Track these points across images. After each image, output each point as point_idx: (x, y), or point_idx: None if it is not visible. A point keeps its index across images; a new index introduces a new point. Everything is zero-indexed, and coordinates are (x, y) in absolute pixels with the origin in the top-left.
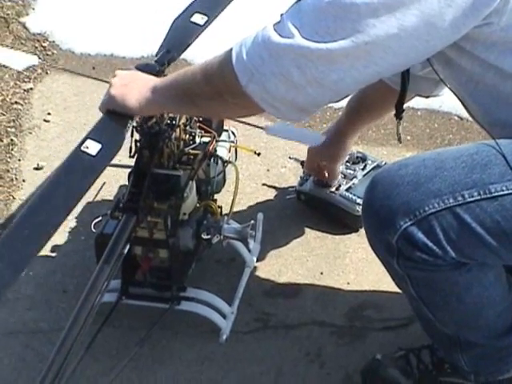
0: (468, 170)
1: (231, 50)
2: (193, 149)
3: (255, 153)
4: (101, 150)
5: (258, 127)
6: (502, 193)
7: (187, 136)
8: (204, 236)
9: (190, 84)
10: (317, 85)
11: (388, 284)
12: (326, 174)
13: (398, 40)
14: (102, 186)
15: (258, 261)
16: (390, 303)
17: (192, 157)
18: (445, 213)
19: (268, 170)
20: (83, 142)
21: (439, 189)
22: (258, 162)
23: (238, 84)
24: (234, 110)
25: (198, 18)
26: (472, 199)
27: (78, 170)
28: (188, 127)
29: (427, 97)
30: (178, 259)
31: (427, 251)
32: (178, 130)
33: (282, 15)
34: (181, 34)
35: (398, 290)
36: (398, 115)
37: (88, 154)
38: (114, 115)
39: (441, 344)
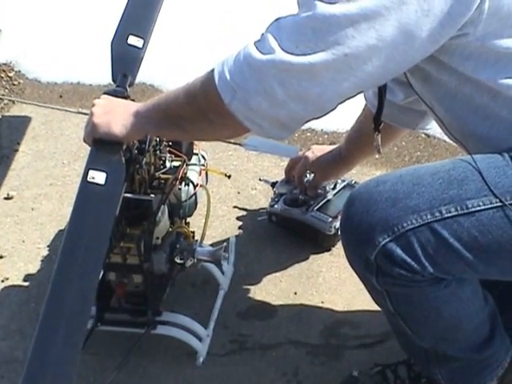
0: (445, 185)
1: (213, 69)
2: (163, 173)
3: (226, 175)
4: (107, 177)
5: (235, 144)
6: (478, 208)
7: (158, 160)
8: (178, 260)
9: (173, 106)
10: (299, 100)
11: (362, 301)
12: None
13: (378, 51)
14: None
15: (231, 283)
16: (365, 320)
17: (163, 181)
18: (423, 228)
19: (238, 193)
20: (86, 174)
21: (417, 204)
22: (228, 185)
23: (221, 103)
24: (218, 130)
25: (135, 41)
26: (449, 215)
27: (93, 202)
28: (158, 152)
29: (414, 129)
30: (152, 284)
31: (406, 267)
32: (148, 154)
33: (262, 33)
34: (127, 58)
35: (373, 307)
36: (376, 128)
37: (97, 184)
38: (104, 143)
39: (418, 359)
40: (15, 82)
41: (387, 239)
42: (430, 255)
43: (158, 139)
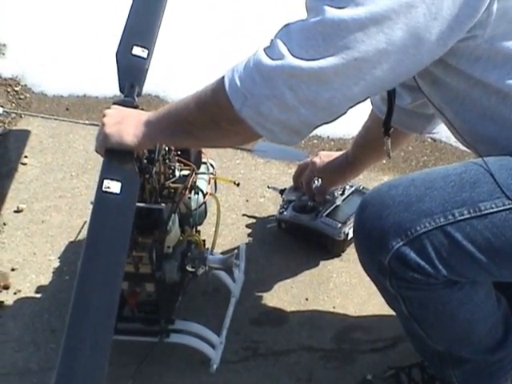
0: (457, 188)
1: (223, 76)
2: (173, 182)
3: (235, 183)
4: (123, 186)
5: (244, 150)
6: (491, 210)
7: (167, 170)
8: (189, 268)
9: (184, 114)
10: (309, 105)
11: (373, 306)
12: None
13: (387, 55)
14: (83, 225)
15: (243, 290)
16: (377, 324)
17: (173, 190)
18: (436, 232)
19: (247, 201)
20: (101, 184)
21: (430, 208)
22: (236, 194)
23: (232, 109)
24: (230, 136)
25: (139, 51)
26: (462, 217)
27: (110, 211)
28: (167, 161)
29: (421, 133)
30: (165, 292)
31: (420, 270)
32: (157, 164)
33: (271, 39)
34: (133, 68)
35: (384, 312)
36: (386, 132)
37: (113, 194)
38: (116, 152)
39: (431, 361)
40: (22, 96)
41: (401, 243)
42: (443, 258)
43: (166, 148)
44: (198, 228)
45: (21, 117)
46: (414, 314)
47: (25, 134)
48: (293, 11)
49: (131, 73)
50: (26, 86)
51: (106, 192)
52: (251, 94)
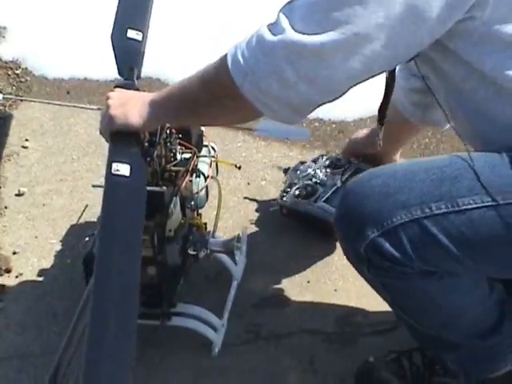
0: (437, 182)
1: (226, 54)
2: (174, 165)
3: (236, 166)
4: (131, 168)
5: (246, 129)
6: (469, 206)
7: (168, 153)
8: (191, 251)
9: (188, 92)
10: (308, 82)
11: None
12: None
13: (386, 30)
14: (84, 209)
15: (244, 273)
16: (378, 308)
17: (174, 173)
18: (412, 224)
19: (248, 184)
20: (110, 167)
21: (407, 200)
22: (238, 177)
23: (233, 85)
24: (232, 113)
25: (134, 34)
26: (439, 212)
27: (122, 194)
28: (169, 144)
29: (442, 128)
30: (166, 275)
31: (394, 261)
32: (159, 147)
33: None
34: (129, 51)
35: None
36: (381, 121)
37: (123, 176)
38: (122, 135)
39: (426, 345)
40: (22, 80)
41: (376, 233)
42: (418, 250)
43: (168, 131)
44: (200, 211)
45: (21, 100)
46: (396, 301)
47: (25, 118)
48: None
49: (129, 56)
50: (26, 69)
51: (116, 175)
52: (252, 71)
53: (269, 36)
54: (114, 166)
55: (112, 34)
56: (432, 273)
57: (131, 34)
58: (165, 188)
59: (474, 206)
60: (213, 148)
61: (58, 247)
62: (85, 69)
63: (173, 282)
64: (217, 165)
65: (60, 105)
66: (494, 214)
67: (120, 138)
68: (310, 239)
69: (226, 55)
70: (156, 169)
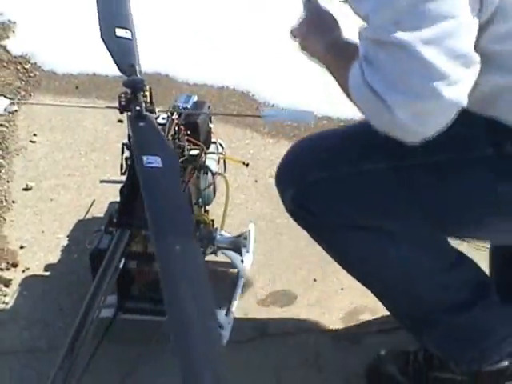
0: (348, 145)
1: (355, 66)
2: (182, 162)
3: (244, 163)
4: (163, 159)
5: (253, 116)
6: (369, 167)
7: (176, 149)
8: None
9: (340, 69)
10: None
11: None
12: None
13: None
14: (92, 204)
15: (251, 270)
16: None
17: (182, 169)
18: (322, 182)
19: (256, 181)
20: (141, 161)
21: (323, 160)
22: (245, 174)
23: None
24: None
25: (123, 33)
26: (343, 173)
27: (161, 183)
28: (177, 140)
29: None
30: None
31: (310, 213)
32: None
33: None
34: (124, 49)
35: None
36: None
37: (156, 167)
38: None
39: (408, 328)
40: (31, 74)
41: (292, 189)
42: (326, 204)
43: (176, 128)
44: (207, 208)
45: (30, 95)
46: (342, 263)
47: (34, 112)
48: None
49: (124, 54)
50: (35, 63)
51: (150, 167)
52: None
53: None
54: (145, 158)
55: (102, 35)
56: (359, 227)
57: (120, 32)
58: None
59: (372, 167)
60: (221, 145)
61: (65, 242)
62: (93, 64)
63: None
64: (224, 162)
65: (65, 105)
66: (392, 177)
67: (143, 132)
68: None
69: (354, 68)
70: None
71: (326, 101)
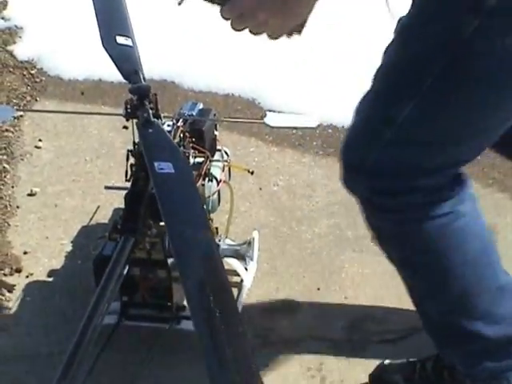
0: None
1: None
2: None
3: (249, 171)
4: (175, 165)
5: (257, 122)
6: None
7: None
8: None
9: None
10: None
11: (385, 297)
12: None
13: None
14: (96, 210)
15: (254, 278)
16: (388, 316)
17: None
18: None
19: (260, 189)
20: (152, 166)
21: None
22: (250, 182)
23: None
24: None
25: (123, 40)
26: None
27: (175, 188)
28: (182, 148)
29: None
30: (176, 279)
31: (391, 193)
32: None
33: None
34: (127, 56)
35: (396, 303)
36: None
37: (169, 173)
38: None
39: (437, 339)
40: (37, 80)
41: (365, 179)
42: (400, 168)
43: (181, 135)
44: (211, 215)
45: (36, 100)
46: (403, 257)
47: (39, 118)
48: None
49: (128, 61)
50: (41, 69)
51: (161, 173)
52: None
53: None
54: (156, 164)
55: (103, 44)
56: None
57: (120, 40)
58: None
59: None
60: (226, 153)
61: (69, 248)
62: (99, 70)
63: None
64: (229, 169)
65: (70, 112)
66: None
67: (151, 138)
68: (321, 245)
69: None
70: None
71: (331, 109)
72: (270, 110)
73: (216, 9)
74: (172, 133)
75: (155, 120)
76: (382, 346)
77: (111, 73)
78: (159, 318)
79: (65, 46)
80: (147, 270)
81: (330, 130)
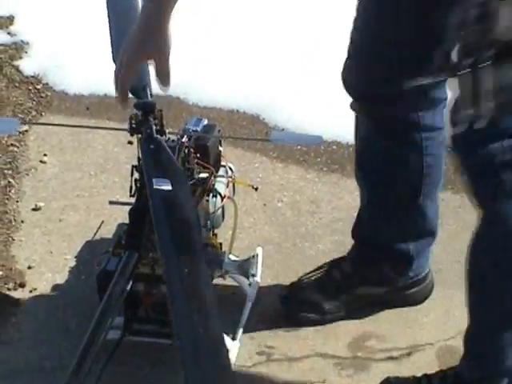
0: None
1: None
2: (192, 184)
3: (253, 187)
4: (173, 182)
5: (263, 140)
6: None
7: (186, 172)
8: None
9: None
10: None
11: (388, 314)
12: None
13: None
14: (100, 225)
15: (258, 295)
16: (392, 333)
17: (191, 192)
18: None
19: (264, 205)
20: (151, 182)
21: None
22: (254, 197)
23: None
24: None
25: None
26: None
27: (171, 204)
28: (186, 163)
29: None
30: None
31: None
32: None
33: None
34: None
35: (399, 320)
36: None
37: (167, 191)
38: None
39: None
40: (43, 95)
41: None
42: None
43: (186, 151)
44: (215, 231)
45: (41, 115)
46: None
47: (44, 133)
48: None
49: (137, 76)
50: (47, 84)
51: (159, 190)
52: None
53: None
54: (155, 181)
55: (114, 58)
56: None
57: None
58: None
59: None
60: (230, 168)
61: (73, 263)
62: (105, 85)
63: None
64: (234, 185)
65: (76, 126)
66: None
67: (152, 153)
68: (325, 261)
69: None
70: None
71: (335, 125)
72: (275, 127)
73: (222, 26)
74: (177, 148)
75: (158, 136)
76: (386, 364)
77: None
78: (163, 334)
79: (70, 62)
80: (151, 285)
81: (334, 147)
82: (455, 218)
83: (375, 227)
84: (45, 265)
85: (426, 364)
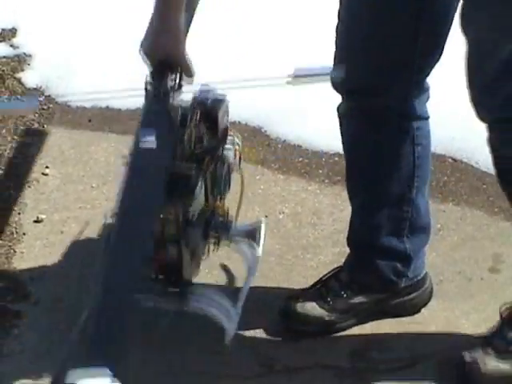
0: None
1: None
2: (201, 152)
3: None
4: (158, 138)
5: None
6: None
7: (196, 137)
8: (212, 235)
9: None
10: None
11: (390, 325)
12: None
13: None
14: (103, 236)
15: (258, 304)
16: (393, 344)
17: (201, 158)
18: None
19: (266, 216)
20: (138, 137)
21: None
22: (255, 209)
23: None
24: None
25: None
26: None
27: (146, 164)
28: (197, 129)
29: None
30: (187, 257)
31: None
32: (189, 130)
33: None
34: None
35: (401, 331)
36: None
37: (149, 148)
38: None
39: None
40: (45, 107)
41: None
42: None
43: (197, 117)
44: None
45: (43, 127)
46: None
47: (46, 145)
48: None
49: None
50: (49, 96)
51: (143, 142)
52: None
53: None
54: (141, 134)
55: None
56: None
57: None
58: (192, 171)
59: None
60: (237, 140)
61: (75, 275)
62: (107, 97)
63: (193, 264)
64: (240, 156)
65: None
66: None
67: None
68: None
69: None
70: (184, 151)
71: (337, 137)
72: (276, 139)
73: (222, 43)
74: (189, 114)
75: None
76: (388, 375)
77: (118, 100)
78: (168, 294)
79: (72, 74)
80: (159, 246)
81: (336, 158)
82: (456, 229)
83: (368, 229)
84: (47, 277)
85: (427, 376)
